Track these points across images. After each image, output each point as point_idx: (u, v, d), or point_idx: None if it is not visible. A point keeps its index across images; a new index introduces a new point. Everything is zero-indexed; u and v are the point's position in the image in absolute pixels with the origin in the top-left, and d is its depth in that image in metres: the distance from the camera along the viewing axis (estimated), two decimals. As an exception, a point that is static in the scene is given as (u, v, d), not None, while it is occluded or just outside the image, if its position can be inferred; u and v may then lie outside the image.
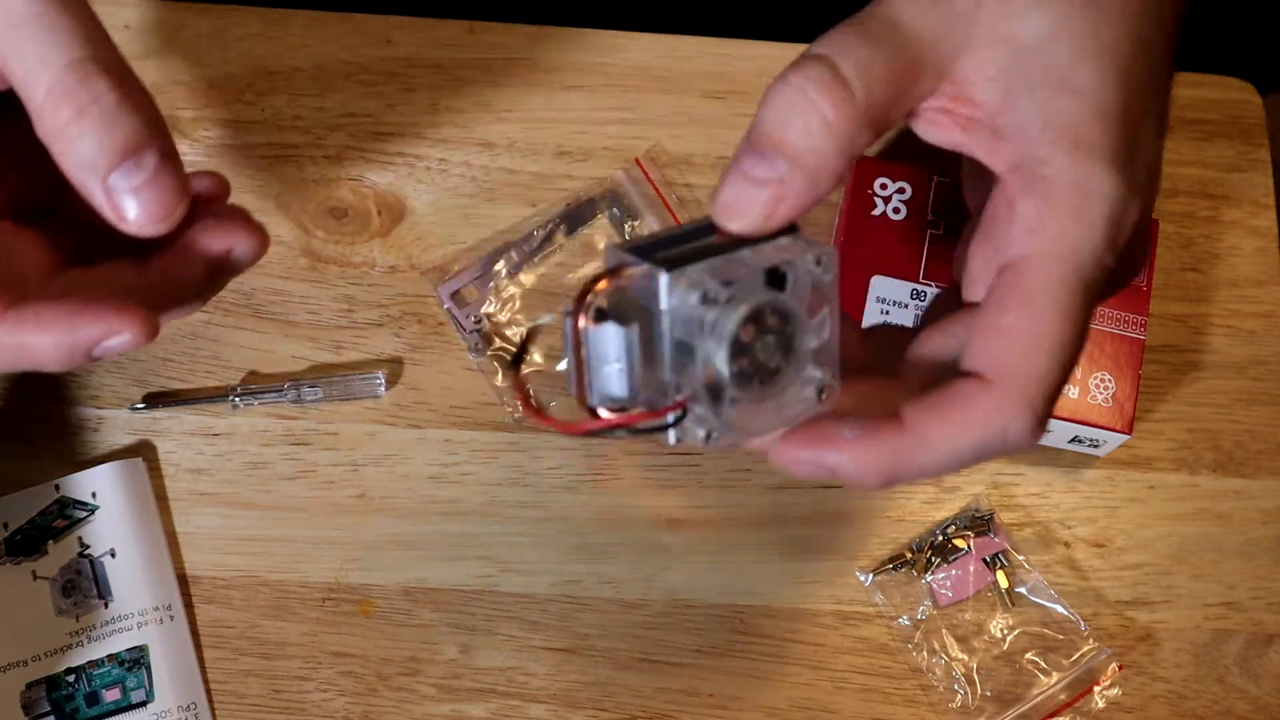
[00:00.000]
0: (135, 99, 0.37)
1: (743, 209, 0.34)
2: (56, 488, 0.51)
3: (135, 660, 0.50)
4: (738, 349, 0.33)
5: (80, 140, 0.35)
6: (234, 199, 0.57)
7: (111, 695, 0.50)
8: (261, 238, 0.39)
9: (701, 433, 0.33)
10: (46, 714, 0.49)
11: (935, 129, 0.36)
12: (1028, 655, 0.54)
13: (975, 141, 0.36)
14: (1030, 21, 0.35)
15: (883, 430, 0.34)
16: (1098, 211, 0.34)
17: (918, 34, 0.35)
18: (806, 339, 0.34)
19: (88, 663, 0.50)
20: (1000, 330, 0.34)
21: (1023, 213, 0.35)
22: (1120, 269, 0.36)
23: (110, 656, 0.50)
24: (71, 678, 0.49)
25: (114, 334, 0.36)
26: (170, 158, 0.37)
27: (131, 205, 0.36)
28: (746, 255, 0.34)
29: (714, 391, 0.33)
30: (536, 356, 0.56)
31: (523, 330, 0.56)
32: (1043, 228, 0.34)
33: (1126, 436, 0.53)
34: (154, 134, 0.37)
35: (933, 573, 0.54)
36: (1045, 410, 0.35)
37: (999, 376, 0.34)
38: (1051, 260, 0.34)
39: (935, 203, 0.55)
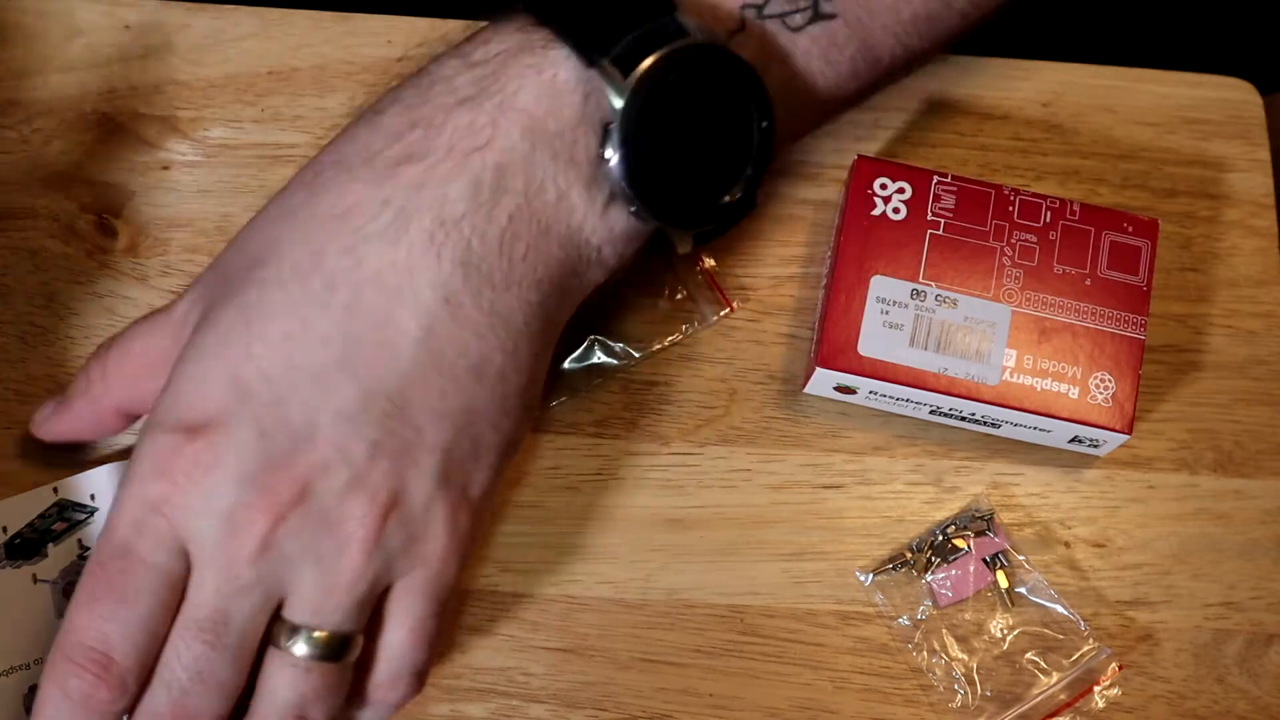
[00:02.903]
0: None
1: None
2: (55, 490, 0.51)
3: None
4: None
5: None
6: (236, 199, 0.57)
7: None
8: None
9: None
10: None
11: None
12: (1028, 655, 0.54)
13: None
14: None
15: None
16: None
17: None
18: None
19: None
20: None
21: None
22: None
23: None
24: None
25: None
26: None
27: None
28: None
29: None
30: None
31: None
32: None
33: (1126, 436, 0.53)
34: None
35: (933, 573, 0.54)
36: None
37: None
38: None
39: (935, 203, 0.55)
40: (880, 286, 0.54)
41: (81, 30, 0.58)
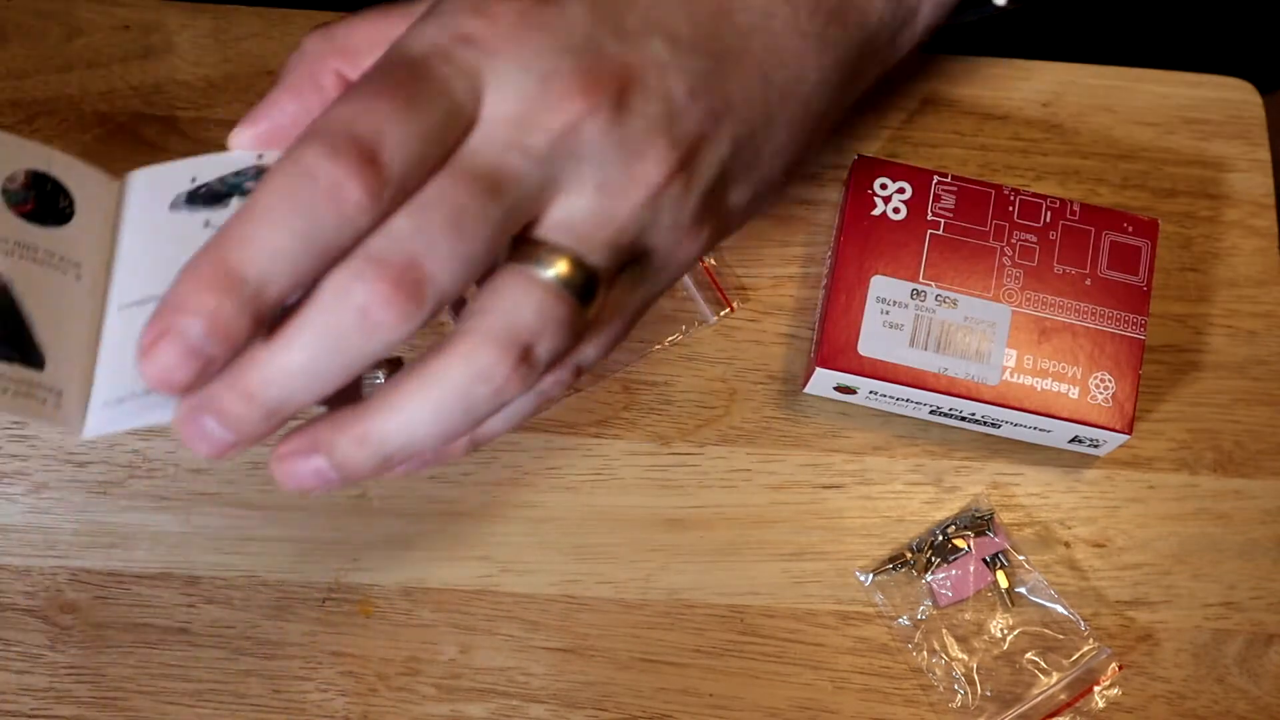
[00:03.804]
0: None
1: None
2: (260, 156, 0.43)
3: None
4: None
5: None
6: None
7: None
8: None
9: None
10: None
11: None
12: (1028, 655, 0.54)
13: None
14: None
15: None
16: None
17: None
18: None
19: None
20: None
21: None
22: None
23: None
24: None
25: None
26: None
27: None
28: None
29: None
30: None
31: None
32: None
33: (1126, 436, 0.53)
34: None
35: (933, 573, 0.54)
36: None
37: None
38: None
39: (935, 203, 0.55)
40: (880, 286, 0.54)
41: (81, 30, 0.58)
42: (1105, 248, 0.55)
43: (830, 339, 0.53)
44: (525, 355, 0.35)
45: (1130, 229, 0.55)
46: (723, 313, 0.57)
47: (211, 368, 0.33)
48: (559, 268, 0.35)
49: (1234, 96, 0.62)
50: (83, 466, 0.54)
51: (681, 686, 0.53)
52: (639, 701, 0.53)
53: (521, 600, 0.54)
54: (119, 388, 0.37)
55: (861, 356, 0.53)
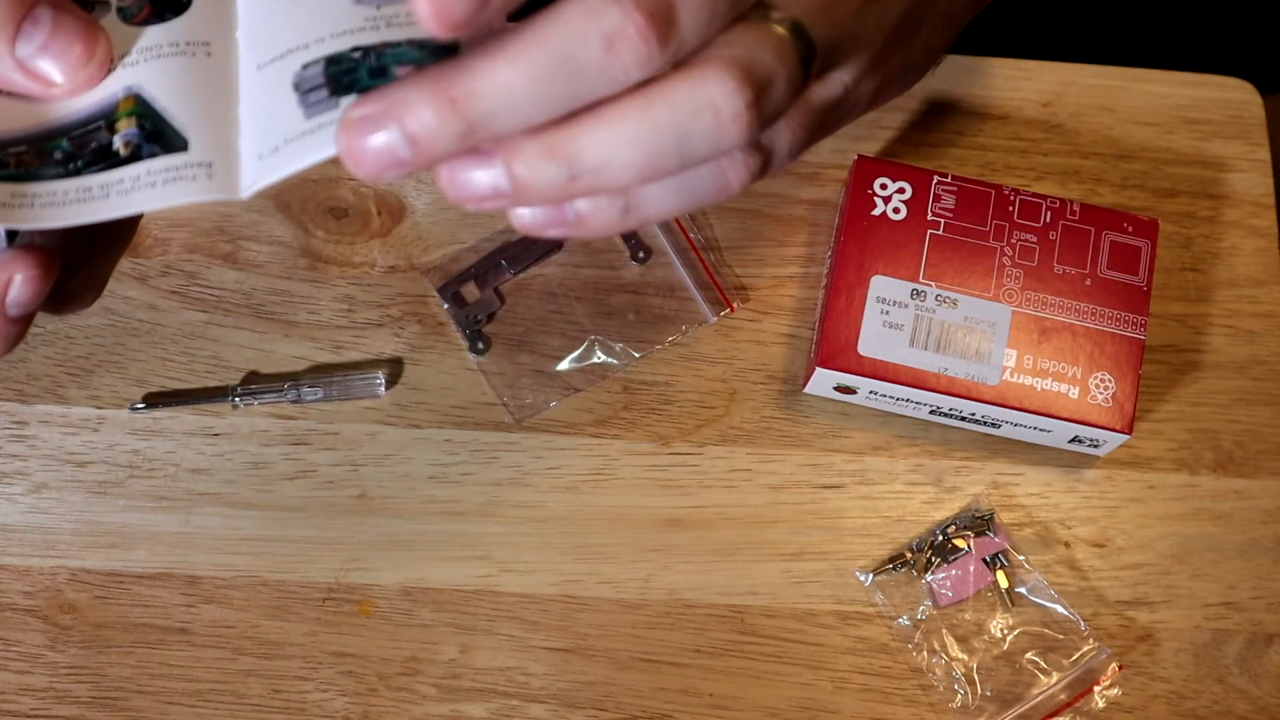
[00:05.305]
0: None
1: None
2: None
3: (446, 45, 0.38)
4: None
5: None
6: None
7: (403, 72, 0.39)
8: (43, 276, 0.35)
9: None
10: (319, 87, 0.38)
11: None
12: (1028, 655, 0.54)
13: None
14: None
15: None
16: None
17: None
18: None
19: (381, 43, 0.39)
20: None
21: None
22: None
23: (412, 41, 0.38)
24: (358, 54, 0.39)
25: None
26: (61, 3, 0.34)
27: (51, 67, 0.34)
28: None
29: None
30: None
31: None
32: None
33: (1126, 436, 0.53)
34: None
35: (933, 573, 0.54)
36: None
37: None
38: None
39: (935, 203, 0.55)
40: (880, 286, 0.54)
41: (81, 30, 0.58)
42: (1105, 248, 0.55)
43: (830, 339, 0.53)
44: (759, 95, 0.32)
45: (1130, 229, 0.55)
46: (723, 313, 0.57)
47: (484, 15, 0.31)
48: (791, 26, 0.34)
49: (1234, 96, 0.62)
50: (83, 466, 0.54)
51: (681, 686, 0.53)
52: (639, 701, 0.53)
53: (521, 600, 0.54)
54: (271, 138, 0.36)
55: (861, 356, 0.53)
